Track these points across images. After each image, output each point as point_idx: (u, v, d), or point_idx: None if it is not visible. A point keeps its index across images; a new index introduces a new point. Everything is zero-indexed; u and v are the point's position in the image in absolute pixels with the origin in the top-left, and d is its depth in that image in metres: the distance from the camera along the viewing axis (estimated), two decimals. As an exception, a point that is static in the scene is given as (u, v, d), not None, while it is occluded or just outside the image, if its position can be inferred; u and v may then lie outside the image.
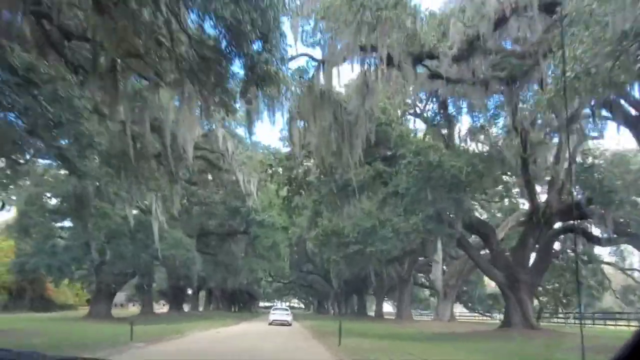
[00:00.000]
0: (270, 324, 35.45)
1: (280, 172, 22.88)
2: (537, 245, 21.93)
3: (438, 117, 23.13)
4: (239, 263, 42.07)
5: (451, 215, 19.51)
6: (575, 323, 32.98)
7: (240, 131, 37.76)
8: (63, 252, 30.24)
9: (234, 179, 37.39)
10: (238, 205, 39.20)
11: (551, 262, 26.96)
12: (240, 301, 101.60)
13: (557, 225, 23.25)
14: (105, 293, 33.15)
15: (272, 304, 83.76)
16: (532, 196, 20.70)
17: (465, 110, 22.98)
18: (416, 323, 36.18)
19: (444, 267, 37.42)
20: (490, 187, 20.74)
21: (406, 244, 21.21)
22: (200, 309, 76.01)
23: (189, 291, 69.32)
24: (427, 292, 74.11)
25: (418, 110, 24.27)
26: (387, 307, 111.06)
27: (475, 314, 58.56)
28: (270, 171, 22.89)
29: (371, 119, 17.53)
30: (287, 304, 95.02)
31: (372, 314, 72.33)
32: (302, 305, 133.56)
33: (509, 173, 22.25)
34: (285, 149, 23.42)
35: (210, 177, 37.35)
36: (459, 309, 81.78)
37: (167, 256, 29.05)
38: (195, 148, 37.32)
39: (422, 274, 59.96)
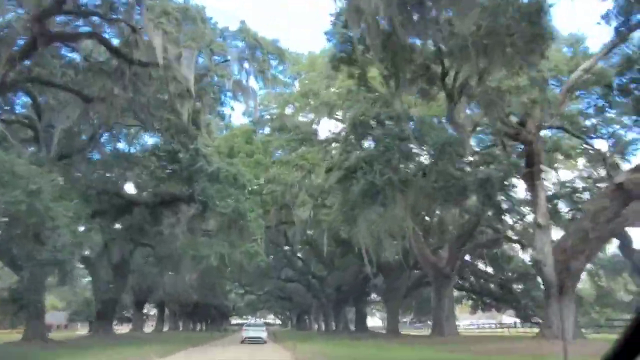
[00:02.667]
0: (242, 341, 32.22)
1: None
2: None
3: None
4: (179, 248, 25.35)
5: None
6: None
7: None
8: None
9: (165, 97, 21.19)
10: (176, 149, 23.04)
11: None
12: (206, 318, 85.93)
13: None
14: None
15: (244, 321, 67.89)
16: None
17: None
18: (507, 343, 19.46)
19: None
20: None
21: None
22: (147, 329, 58.51)
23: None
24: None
25: None
26: (376, 320, 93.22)
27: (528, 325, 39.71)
28: None
29: None
30: (262, 319, 79.84)
31: (373, 329, 55.57)
32: (279, 321, 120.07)
33: None
34: None
35: (115, 89, 20.45)
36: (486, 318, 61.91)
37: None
38: None
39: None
